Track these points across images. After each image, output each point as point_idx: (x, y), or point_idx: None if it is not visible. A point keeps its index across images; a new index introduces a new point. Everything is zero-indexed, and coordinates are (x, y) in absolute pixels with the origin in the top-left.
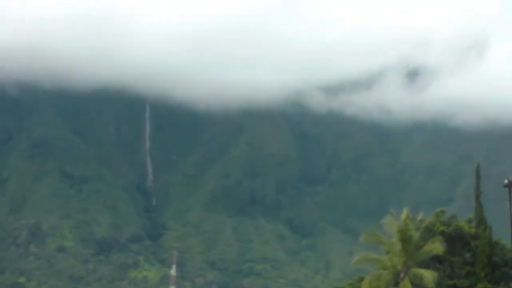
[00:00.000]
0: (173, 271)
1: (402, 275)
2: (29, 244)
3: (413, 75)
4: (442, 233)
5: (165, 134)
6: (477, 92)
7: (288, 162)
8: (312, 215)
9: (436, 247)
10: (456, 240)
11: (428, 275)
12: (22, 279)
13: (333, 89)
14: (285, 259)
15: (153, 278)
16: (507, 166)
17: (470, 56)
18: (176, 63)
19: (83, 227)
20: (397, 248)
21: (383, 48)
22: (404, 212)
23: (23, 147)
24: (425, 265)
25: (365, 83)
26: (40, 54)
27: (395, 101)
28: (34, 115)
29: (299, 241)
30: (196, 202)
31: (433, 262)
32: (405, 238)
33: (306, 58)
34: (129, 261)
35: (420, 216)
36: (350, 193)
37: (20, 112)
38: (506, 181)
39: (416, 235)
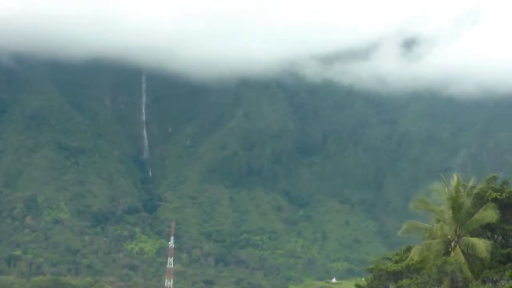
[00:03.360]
0: (171, 243)
1: (453, 244)
2: (25, 216)
3: (409, 44)
4: (495, 200)
5: (161, 105)
6: (473, 61)
7: (284, 133)
8: (308, 186)
9: (489, 214)
10: (508, 207)
11: (481, 244)
12: (18, 252)
13: (328, 59)
14: (282, 230)
15: (150, 250)
16: (504, 135)
17: (466, 24)
18: (172, 34)
19: (79, 199)
20: (448, 216)
21: (380, 17)
22: (455, 178)
23: (18, 119)
24: (476, 233)
25: (361, 52)
26: (35, 25)
27: (391, 71)
28: (30, 87)
29: (296, 212)
30: (193, 173)
31: (484, 230)
32: (456, 206)
33: (301, 27)
34: (125, 233)
35: (471, 183)
36: (346, 163)
37: (15, 84)
38: None
39: (467, 202)
